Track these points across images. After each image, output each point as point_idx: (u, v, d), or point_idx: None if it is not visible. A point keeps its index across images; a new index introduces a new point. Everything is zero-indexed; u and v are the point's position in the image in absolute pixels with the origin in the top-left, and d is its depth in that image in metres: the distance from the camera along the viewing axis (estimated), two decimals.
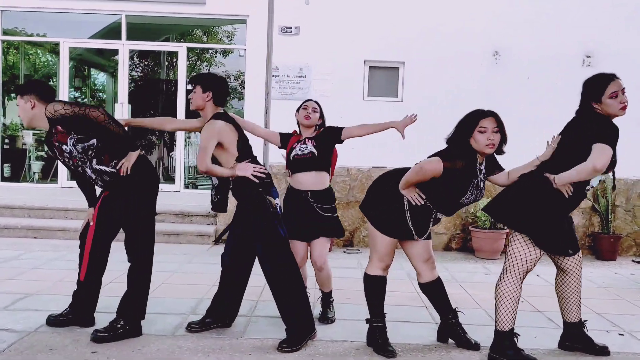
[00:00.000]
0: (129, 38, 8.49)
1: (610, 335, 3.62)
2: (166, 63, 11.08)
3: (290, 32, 8.23)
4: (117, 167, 3.18)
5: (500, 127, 2.97)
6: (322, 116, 3.74)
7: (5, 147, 9.52)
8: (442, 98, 7.94)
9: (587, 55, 8.19)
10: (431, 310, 3.97)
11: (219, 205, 3.44)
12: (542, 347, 3.34)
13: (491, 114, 2.98)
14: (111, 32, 8.73)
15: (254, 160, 3.33)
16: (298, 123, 3.74)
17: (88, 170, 3.22)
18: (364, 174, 6.62)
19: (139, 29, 9.02)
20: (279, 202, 3.35)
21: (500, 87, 8.04)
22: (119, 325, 3.23)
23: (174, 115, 8.43)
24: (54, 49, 9.04)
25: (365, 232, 6.53)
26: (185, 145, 9.04)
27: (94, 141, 3.15)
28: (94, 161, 3.19)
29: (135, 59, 11.22)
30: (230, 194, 3.41)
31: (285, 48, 7.95)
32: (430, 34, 8.03)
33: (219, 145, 3.20)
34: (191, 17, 8.59)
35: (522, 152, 7.58)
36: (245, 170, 3.21)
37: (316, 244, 3.63)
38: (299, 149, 3.58)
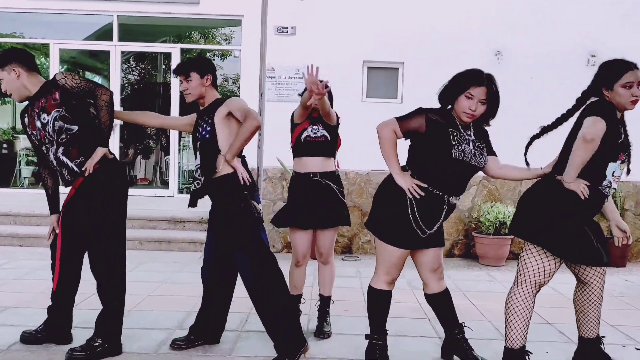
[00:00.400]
0: (121, 39, 8.28)
1: (626, 351, 3.38)
2: (160, 65, 10.85)
3: (287, 32, 8.01)
4: (82, 168, 2.94)
5: (488, 99, 2.74)
6: (330, 98, 3.47)
7: None
8: None
9: (592, 54, 7.98)
10: (434, 323, 3.72)
11: (199, 194, 3.11)
12: None
13: (486, 84, 2.74)
14: (103, 33, 8.53)
15: (243, 159, 3.11)
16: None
17: (51, 154, 2.97)
18: (362, 177, 6.39)
19: (132, 30, 8.82)
20: (261, 207, 3.12)
21: (503, 88, 7.65)
22: (96, 344, 2.98)
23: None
24: (44, 51, 8.82)
25: (364, 238, 6.28)
26: (179, 150, 8.81)
27: (75, 127, 2.92)
28: (61, 149, 2.94)
29: (129, 61, 11.01)
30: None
31: (281, 48, 7.74)
32: (431, 33, 7.82)
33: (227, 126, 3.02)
34: (185, 17, 8.37)
35: (529, 153, 7.41)
36: (238, 166, 2.97)
37: (324, 233, 3.46)
38: (311, 131, 3.38)
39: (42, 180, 3.17)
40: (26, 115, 3.03)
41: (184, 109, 9.65)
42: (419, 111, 2.78)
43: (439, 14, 7.85)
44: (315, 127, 3.38)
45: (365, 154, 6.71)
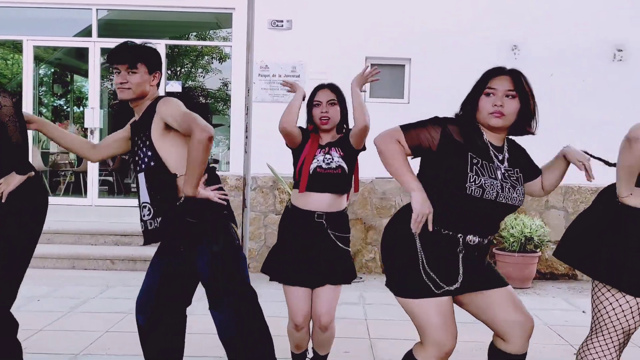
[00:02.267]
0: (100, 35, 7.58)
1: None
2: None
3: (282, 26, 7.31)
4: None
5: (518, 91, 2.00)
6: (344, 104, 2.68)
7: None
8: (455, 98, 6.95)
9: (619, 48, 7.27)
10: None
11: (160, 232, 2.31)
12: None
13: (508, 72, 2.03)
14: (83, 29, 7.87)
15: (211, 172, 2.35)
16: (310, 121, 2.70)
17: None
18: (366, 186, 5.66)
19: (113, 26, 8.14)
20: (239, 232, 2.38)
21: None
22: None
23: None
24: (18, 48, 8.15)
25: (368, 255, 5.53)
26: None
27: None
28: None
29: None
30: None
31: (276, 44, 7.05)
32: (440, 26, 7.11)
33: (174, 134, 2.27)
34: (170, 11, 7.68)
35: (546, 156, 6.69)
36: (208, 194, 2.24)
37: (324, 292, 2.60)
38: (324, 161, 2.58)
39: None
40: None
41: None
42: (435, 121, 2.05)
43: (449, 5, 7.15)
44: (328, 155, 2.60)
45: (369, 159, 5.99)
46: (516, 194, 2.02)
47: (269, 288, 4.77)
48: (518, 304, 2.16)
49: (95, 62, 7.59)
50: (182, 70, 12.65)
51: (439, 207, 1.94)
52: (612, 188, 2.09)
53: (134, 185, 10.35)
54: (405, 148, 2.00)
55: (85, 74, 10.40)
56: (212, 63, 11.89)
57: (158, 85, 2.40)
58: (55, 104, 11.21)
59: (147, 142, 2.25)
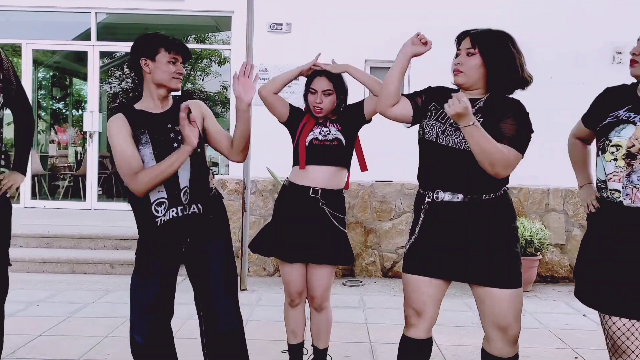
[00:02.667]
0: (99, 39, 7.56)
1: None
2: None
3: (281, 29, 7.30)
4: None
5: (479, 48, 2.10)
6: (343, 94, 2.68)
7: None
8: None
9: (618, 51, 7.28)
10: None
11: (200, 218, 2.30)
12: None
13: (469, 34, 2.18)
14: (82, 32, 7.85)
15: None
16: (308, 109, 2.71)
17: None
18: (365, 189, 5.63)
19: (112, 29, 8.12)
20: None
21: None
22: None
23: None
24: (17, 52, 8.12)
25: (368, 259, 5.50)
26: None
27: None
28: None
29: (116, 62, 10.34)
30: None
31: (276, 47, 7.04)
32: (439, 29, 7.01)
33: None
34: (169, 14, 7.66)
35: (546, 160, 6.65)
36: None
37: (318, 271, 2.64)
38: (320, 133, 2.61)
39: None
40: None
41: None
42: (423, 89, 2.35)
43: (448, 8, 7.15)
44: (325, 128, 2.63)
45: (369, 162, 6.01)
46: (459, 137, 2.02)
47: (269, 292, 4.76)
48: (510, 310, 2.05)
49: (94, 65, 7.57)
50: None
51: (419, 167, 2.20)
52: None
53: None
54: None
55: (83, 77, 10.39)
56: (211, 66, 11.86)
57: None
58: (54, 107, 11.20)
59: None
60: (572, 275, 2.20)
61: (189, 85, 12.28)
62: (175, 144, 2.21)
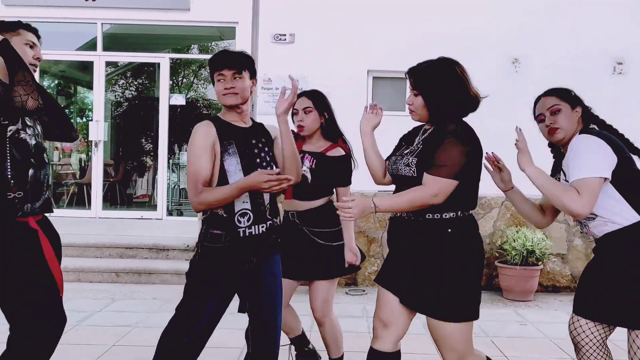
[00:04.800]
0: (105, 49, 7.65)
1: None
2: (154, 75, 10.24)
3: (285, 39, 7.37)
4: None
5: (419, 89, 2.23)
6: (325, 111, 2.81)
7: None
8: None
9: (619, 62, 7.33)
10: None
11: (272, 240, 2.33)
12: None
13: (409, 73, 2.32)
14: (88, 42, 7.95)
15: None
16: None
17: None
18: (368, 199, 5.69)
19: (117, 40, 8.22)
20: None
21: (521, 98, 7.14)
22: None
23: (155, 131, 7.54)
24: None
25: (371, 268, 5.55)
26: (169, 166, 8.15)
27: None
28: None
29: (119, 71, 10.43)
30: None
31: (279, 57, 7.10)
32: (441, 40, 7.15)
33: None
34: (174, 25, 7.76)
35: (546, 168, 6.72)
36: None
37: (314, 287, 2.83)
38: None
39: None
40: None
41: (175, 124, 9.02)
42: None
43: (450, 19, 7.21)
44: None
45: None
46: (402, 164, 2.20)
47: None
48: (448, 342, 2.15)
49: (100, 75, 7.65)
50: (184, 81, 12.74)
51: None
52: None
53: (136, 196, 10.28)
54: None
55: (87, 85, 10.49)
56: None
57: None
58: None
59: (267, 148, 2.30)
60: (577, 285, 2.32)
61: (191, 93, 12.39)
62: (258, 160, 2.23)
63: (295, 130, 2.72)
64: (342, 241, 2.78)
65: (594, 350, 2.23)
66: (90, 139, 7.80)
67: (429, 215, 2.10)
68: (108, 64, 7.92)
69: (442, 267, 2.08)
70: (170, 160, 8.40)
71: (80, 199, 8.89)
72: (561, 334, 4.08)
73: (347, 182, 2.85)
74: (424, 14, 7.21)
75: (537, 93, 7.19)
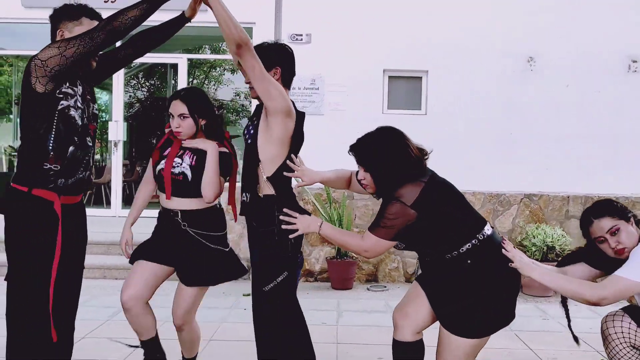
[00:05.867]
0: None
1: None
2: (170, 78, 10.35)
3: (301, 39, 7.47)
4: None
5: (365, 166, 2.32)
6: (203, 114, 2.62)
7: None
8: (472, 109, 7.13)
9: (633, 60, 7.37)
10: None
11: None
12: None
13: (356, 158, 2.35)
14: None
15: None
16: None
17: (91, 148, 2.44)
18: (372, 198, 5.76)
19: None
20: None
21: (536, 96, 7.24)
22: None
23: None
24: None
25: (391, 264, 5.62)
26: None
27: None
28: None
29: (132, 72, 10.54)
30: None
31: (296, 57, 7.16)
32: (456, 39, 7.24)
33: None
34: (192, 26, 7.82)
35: (572, 168, 6.72)
36: None
37: (181, 291, 2.65)
38: (172, 165, 2.59)
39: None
40: (73, 86, 2.31)
41: None
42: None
43: (465, 18, 7.27)
44: (179, 159, 2.60)
45: None
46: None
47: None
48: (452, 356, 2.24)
49: (119, 76, 7.77)
50: (194, 82, 12.86)
51: None
52: None
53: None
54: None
55: (103, 86, 10.60)
56: (224, 74, 12.06)
57: None
58: None
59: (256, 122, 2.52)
60: None
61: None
62: None
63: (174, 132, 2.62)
64: (227, 247, 2.67)
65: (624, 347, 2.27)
66: (110, 139, 7.92)
67: (447, 256, 2.21)
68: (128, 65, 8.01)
69: (465, 285, 2.20)
70: None
71: (98, 199, 9.01)
72: (583, 327, 4.12)
73: (227, 172, 2.66)
74: (437, 14, 7.27)
75: (553, 91, 7.41)
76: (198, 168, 2.55)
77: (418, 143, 2.31)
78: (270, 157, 2.38)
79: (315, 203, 5.40)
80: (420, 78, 7.51)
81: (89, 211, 7.93)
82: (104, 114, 11.29)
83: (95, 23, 2.32)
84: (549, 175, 6.65)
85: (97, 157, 11.09)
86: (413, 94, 7.58)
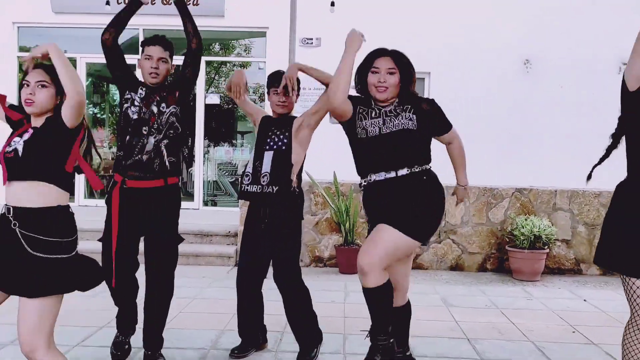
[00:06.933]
0: None
1: None
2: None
3: (312, 43, 7.98)
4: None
5: (400, 67, 2.65)
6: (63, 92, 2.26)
7: None
8: (471, 108, 7.63)
9: (624, 62, 7.82)
10: (475, 343, 3.60)
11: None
12: None
13: (390, 54, 2.70)
14: (129, 47, 8.58)
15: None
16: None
17: (152, 139, 2.99)
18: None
19: None
20: None
21: (532, 97, 7.74)
22: None
23: (191, 128, 8.18)
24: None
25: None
26: (204, 161, 8.80)
27: (180, 128, 3.13)
28: (165, 141, 3.03)
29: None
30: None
31: (306, 60, 7.53)
32: (457, 42, 7.74)
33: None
34: (210, 30, 8.38)
35: (561, 164, 7.19)
36: None
37: (21, 307, 2.11)
38: (9, 144, 2.26)
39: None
40: (133, 92, 3.05)
41: (210, 121, 9.63)
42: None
43: (465, 23, 7.76)
44: (17, 138, 2.26)
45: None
46: (398, 120, 2.63)
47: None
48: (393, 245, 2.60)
49: (141, 76, 8.31)
50: (206, 78, 13.36)
51: (356, 162, 2.78)
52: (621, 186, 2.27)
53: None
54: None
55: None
56: (234, 70, 12.55)
57: None
58: (91, 111, 11.97)
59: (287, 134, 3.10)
60: (596, 249, 2.33)
61: (212, 89, 13.01)
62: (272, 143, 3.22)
63: (24, 104, 2.24)
64: (66, 254, 2.15)
65: None
66: None
67: (415, 169, 2.64)
68: None
69: (419, 198, 2.64)
70: (206, 156, 9.03)
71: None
72: (562, 306, 4.68)
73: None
74: (438, 19, 7.76)
75: (548, 92, 8.16)
76: (33, 142, 2.19)
77: None
78: (298, 160, 3.03)
79: (324, 195, 5.94)
80: (423, 79, 8.01)
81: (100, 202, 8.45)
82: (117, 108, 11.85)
83: (147, 49, 3.21)
84: (538, 170, 7.14)
85: (114, 150, 11.61)
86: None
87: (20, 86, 2.30)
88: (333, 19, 7.74)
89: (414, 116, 2.64)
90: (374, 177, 2.66)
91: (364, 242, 2.72)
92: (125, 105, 2.99)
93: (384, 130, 2.62)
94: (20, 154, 2.17)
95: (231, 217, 7.00)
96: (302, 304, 3.12)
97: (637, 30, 7.54)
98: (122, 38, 9.79)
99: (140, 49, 3.22)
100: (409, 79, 2.67)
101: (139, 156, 2.90)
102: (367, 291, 2.63)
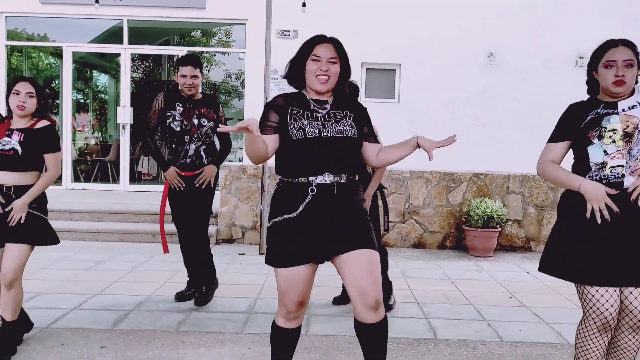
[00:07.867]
0: (130, 42, 8.69)
1: None
2: (167, 65, 11.25)
3: (289, 35, 8.41)
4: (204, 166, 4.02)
5: (341, 58, 2.37)
6: (43, 97, 3.20)
7: None
8: (439, 98, 8.17)
9: (580, 56, 8.40)
10: (423, 307, 4.16)
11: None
12: (525, 340, 3.51)
13: (330, 41, 2.40)
14: (113, 36, 8.94)
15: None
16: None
17: (192, 145, 3.97)
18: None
19: (140, 33, 9.22)
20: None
21: (495, 88, 8.29)
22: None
23: None
24: (56, 52, 9.22)
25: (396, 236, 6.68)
26: None
27: (214, 139, 4.16)
28: (204, 147, 4.06)
29: (136, 61, 11.40)
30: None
31: (284, 51, 7.88)
32: (426, 36, 8.24)
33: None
34: (192, 21, 8.78)
35: (517, 151, 7.76)
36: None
37: (8, 249, 3.05)
38: (1, 143, 3.05)
39: (147, 146, 4.06)
40: (172, 110, 3.92)
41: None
42: (266, 108, 2.36)
43: (435, 17, 8.26)
44: (7, 137, 3.06)
45: None
46: (340, 127, 2.30)
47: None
48: (371, 270, 2.23)
49: (126, 65, 8.70)
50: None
51: (288, 162, 2.31)
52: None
53: (145, 173, 11.03)
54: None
55: (102, 70, 11.48)
56: (215, 55, 12.90)
57: None
58: (74, 97, 12.24)
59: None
60: (545, 249, 2.50)
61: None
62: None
63: (16, 109, 3.06)
64: (44, 215, 3.16)
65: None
66: (118, 122, 8.87)
67: (351, 177, 2.32)
68: (133, 55, 8.91)
69: (358, 211, 2.34)
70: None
71: (104, 175, 9.93)
72: (506, 277, 5.27)
73: (56, 148, 3.14)
74: (409, 14, 8.24)
75: (510, 84, 8.94)
76: (26, 143, 3.03)
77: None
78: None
79: None
80: (394, 70, 8.51)
81: (101, 186, 8.97)
82: (104, 96, 12.18)
83: (182, 69, 3.97)
84: (493, 156, 7.68)
85: (97, 134, 11.88)
86: (388, 85, 8.59)
87: (8, 93, 3.09)
88: (309, 13, 8.15)
89: (354, 123, 2.36)
90: (320, 178, 2.26)
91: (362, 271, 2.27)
92: (168, 121, 3.93)
93: (324, 134, 2.28)
94: (20, 152, 3.03)
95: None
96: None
97: (592, 26, 8.16)
98: (105, 27, 10.21)
99: (176, 66, 4.10)
100: (348, 72, 2.40)
101: (184, 160, 3.94)
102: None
